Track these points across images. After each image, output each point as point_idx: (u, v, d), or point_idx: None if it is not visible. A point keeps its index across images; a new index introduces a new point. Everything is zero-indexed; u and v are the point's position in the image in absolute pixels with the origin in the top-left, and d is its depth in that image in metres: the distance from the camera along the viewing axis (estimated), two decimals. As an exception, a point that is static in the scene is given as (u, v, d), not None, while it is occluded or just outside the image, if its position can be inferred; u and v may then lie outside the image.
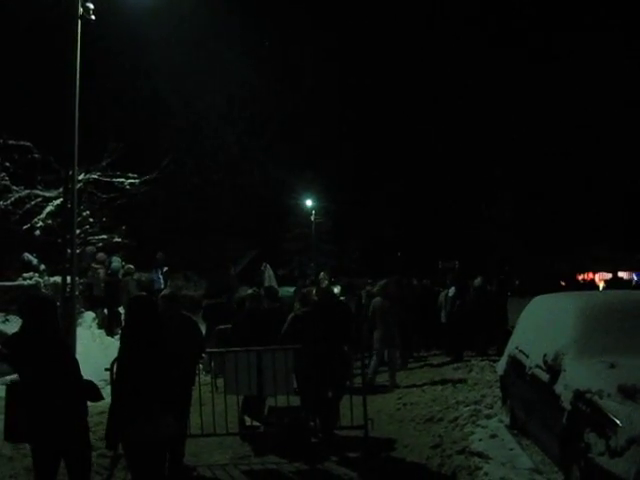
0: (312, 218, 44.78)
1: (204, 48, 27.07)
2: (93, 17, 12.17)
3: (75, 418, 4.99)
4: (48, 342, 4.94)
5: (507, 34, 60.79)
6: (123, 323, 14.79)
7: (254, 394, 7.95)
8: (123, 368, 5.02)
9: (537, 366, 6.46)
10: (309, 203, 44.11)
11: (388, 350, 11.94)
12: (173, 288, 15.20)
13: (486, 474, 6.22)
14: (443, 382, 11.60)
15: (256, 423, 8.28)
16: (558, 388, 5.71)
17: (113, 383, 5.09)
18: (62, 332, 5.68)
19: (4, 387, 9.96)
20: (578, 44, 42.91)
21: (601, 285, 33.17)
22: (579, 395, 5.28)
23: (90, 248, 16.15)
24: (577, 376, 5.55)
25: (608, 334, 6.05)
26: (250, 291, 9.26)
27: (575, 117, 42.10)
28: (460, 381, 11.54)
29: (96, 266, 15.59)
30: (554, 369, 5.91)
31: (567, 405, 5.41)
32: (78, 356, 5.80)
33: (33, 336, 4.93)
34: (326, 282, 17.54)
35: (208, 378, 10.06)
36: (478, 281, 15.64)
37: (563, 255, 44.03)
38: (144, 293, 7.78)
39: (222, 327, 11.71)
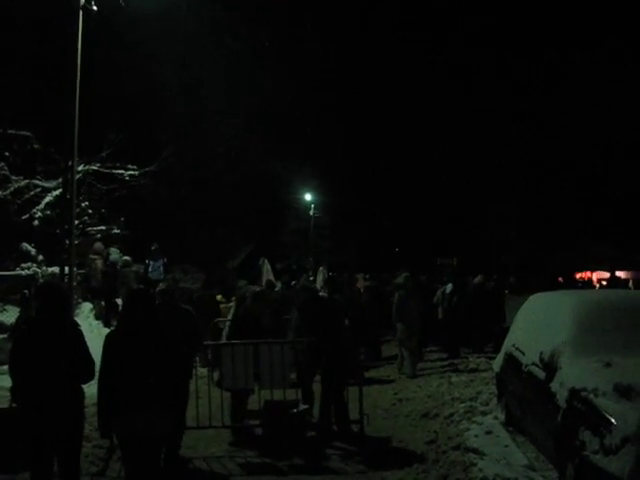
0: (311, 213, 44.79)
1: (205, 41, 27.00)
2: (95, 7, 12.18)
3: (72, 405, 4.99)
4: (56, 328, 4.98)
5: (509, 38, 60.74)
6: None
7: (251, 387, 7.97)
8: (114, 359, 5.00)
9: (533, 364, 6.47)
10: (308, 197, 44.10)
11: (409, 341, 12.37)
12: (170, 281, 15.20)
13: (480, 470, 6.23)
14: (439, 378, 11.61)
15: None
16: (554, 386, 5.72)
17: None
18: (71, 318, 5.68)
19: (1, 377, 9.97)
20: (586, 46, 42.88)
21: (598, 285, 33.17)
22: (574, 393, 5.29)
23: (98, 244, 16.11)
24: (573, 374, 5.56)
25: (605, 333, 6.06)
26: (258, 289, 9.29)
27: (576, 115, 42.04)
28: (456, 377, 11.56)
29: (94, 257, 15.60)
30: (550, 367, 5.92)
31: (562, 403, 5.43)
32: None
33: (42, 321, 4.98)
34: (321, 276, 17.64)
35: (205, 371, 10.09)
36: (478, 279, 15.66)
37: (561, 253, 44.02)
38: (141, 286, 7.80)
39: (217, 320, 11.75)
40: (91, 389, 5.42)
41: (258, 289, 9.31)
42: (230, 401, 8.13)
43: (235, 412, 8.07)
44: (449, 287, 15.63)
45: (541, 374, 6.11)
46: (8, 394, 5.28)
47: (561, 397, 5.49)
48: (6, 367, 5.20)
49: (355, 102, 50.60)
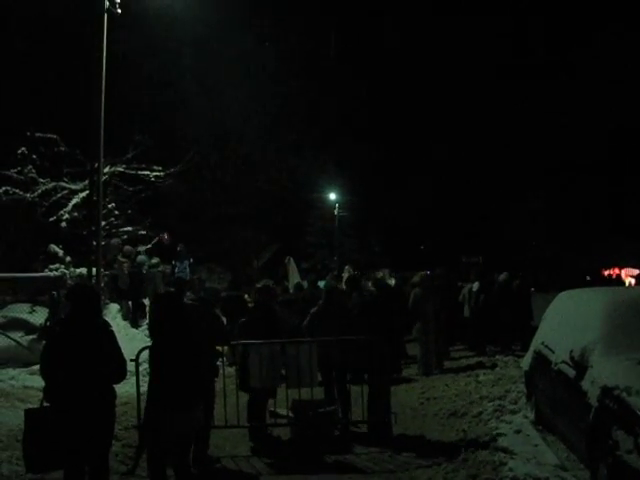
0: (335, 212, 44.79)
1: (229, 43, 27.16)
2: (119, 10, 12.29)
3: (103, 405, 5.04)
4: (88, 329, 5.03)
5: (531, 30, 60.01)
6: (147, 315, 14.98)
7: (279, 386, 7.97)
8: (155, 362, 5.08)
9: (563, 362, 6.39)
10: (332, 197, 44.10)
11: (426, 338, 12.47)
12: (196, 281, 15.31)
13: (511, 470, 6.17)
14: (466, 377, 11.52)
15: (281, 415, 8.26)
16: (585, 384, 5.65)
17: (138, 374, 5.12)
18: (102, 319, 5.74)
19: (32, 377, 10.10)
20: (603, 36, 42.35)
21: (627, 281, 32.56)
22: (607, 392, 5.21)
23: (115, 240, 16.30)
24: (604, 372, 5.48)
25: (636, 330, 5.97)
26: (264, 283, 9.21)
27: (598, 112, 41.58)
28: (484, 376, 11.46)
29: (122, 260, 15.74)
30: (581, 365, 5.84)
31: (594, 402, 5.35)
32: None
33: (74, 322, 5.03)
34: (347, 275, 17.60)
35: (232, 370, 10.12)
36: (503, 276, 15.52)
37: (589, 250, 43.54)
38: (171, 289, 7.81)
39: (245, 320, 11.76)
40: (122, 389, 5.47)
41: (262, 283, 9.15)
42: (249, 402, 8.10)
43: (252, 414, 8.01)
44: (476, 285, 15.51)
45: (571, 372, 6.03)
46: (39, 394, 5.34)
47: (593, 396, 5.41)
48: (37, 367, 5.26)
49: (380, 102, 50.31)
